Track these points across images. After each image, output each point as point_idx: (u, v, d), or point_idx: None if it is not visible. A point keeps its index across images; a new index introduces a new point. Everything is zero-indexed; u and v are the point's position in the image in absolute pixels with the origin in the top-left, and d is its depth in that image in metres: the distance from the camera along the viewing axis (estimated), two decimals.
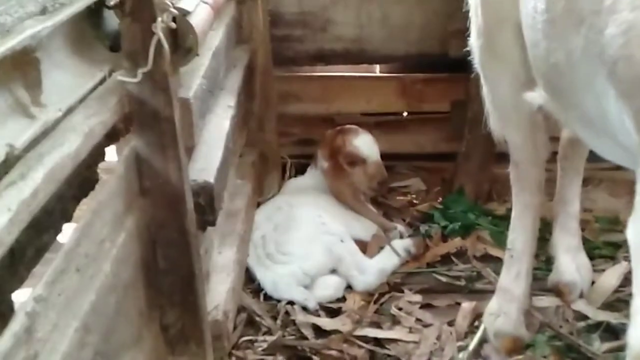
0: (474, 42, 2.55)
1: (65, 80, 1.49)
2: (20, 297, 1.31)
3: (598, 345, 2.57)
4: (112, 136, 1.71)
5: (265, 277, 2.94)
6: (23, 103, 1.29)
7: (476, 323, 2.75)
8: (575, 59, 1.78)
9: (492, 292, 2.73)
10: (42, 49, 1.32)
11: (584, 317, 2.75)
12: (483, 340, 2.64)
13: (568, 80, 1.90)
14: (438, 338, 2.70)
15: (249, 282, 2.97)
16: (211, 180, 1.99)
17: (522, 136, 2.53)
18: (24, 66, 1.28)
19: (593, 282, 2.88)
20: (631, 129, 1.61)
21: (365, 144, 3.38)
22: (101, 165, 1.77)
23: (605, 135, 1.87)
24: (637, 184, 1.60)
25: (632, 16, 1.47)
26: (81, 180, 1.62)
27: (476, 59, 2.58)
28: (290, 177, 3.66)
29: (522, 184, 2.63)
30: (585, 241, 2.99)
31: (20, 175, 1.18)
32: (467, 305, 2.81)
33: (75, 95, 1.49)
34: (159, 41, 1.62)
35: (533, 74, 2.22)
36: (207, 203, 1.98)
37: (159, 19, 1.62)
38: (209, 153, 2.14)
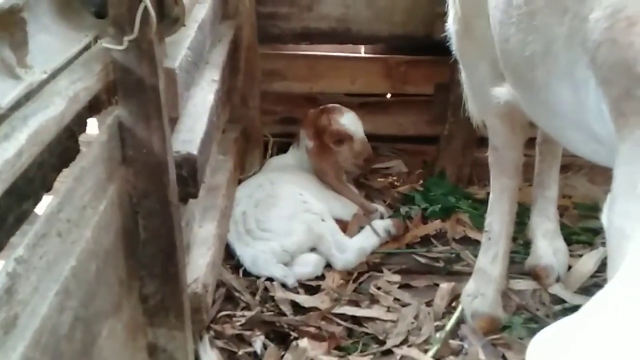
0: (452, 28, 2.57)
1: (51, 43, 1.48)
2: None
3: None
4: (95, 106, 1.70)
5: (245, 253, 2.95)
6: (9, 63, 1.28)
7: (454, 304, 2.78)
8: (556, 48, 1.80)
9: (470, 273, 2.76)
10: (28, 9, 1.31)
11: (561, 301, 2.79)
12: (460, 321, 2.67)
13: (544, 71, 1.91)
14: (416, 318, 2.73)
15: (229, 257, 2.97)
16: (195, 152, 1.98)
17: (499, 121, 2.55)
18: (10, 26, 1.27)
19: (570, 267, 2.91)
20: (608, 118, 1.62)
21: (350, 121, 3.40)
22: (83, 137, 1.76)
23: (579, 128, 1.88)
24: (614, 170, 1.62)
25: (619, 0, 1.48)
26: (62, 149, 1.62)
27: (454, 44, 2.59)
28: (272, 155, 3.66)
29: (500, 167, 2.65)
30: (563, 227, 3.02)
31: (4, 135, 1.18)
32: (445, 286, 2.84)
33: (60, 59, 1.48)
34: (145, 9, 1.61)
35: (501, 70, 2.24)
36: (189, 175, 1.97)
37: None
38: (193, 125, 2.14)
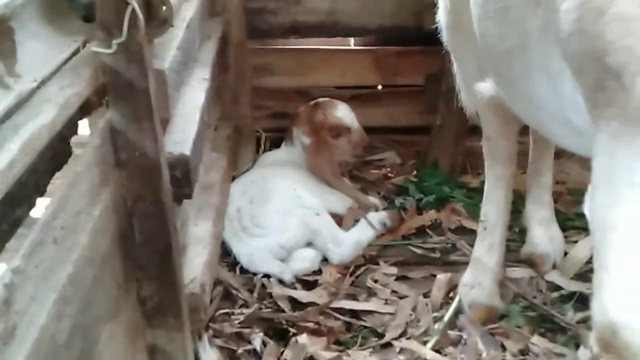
0: (442, 20, 2.58)
1: (40, 50, 1.48)
2: None
3: (571, 315, 2.62)
4: (85, 109, 1.70)
5: (241, 250, 2.95)
6: None
7: (451, 294, 2.79)
8: (532, 41, 1.81)
9: (467, 263, 2.77)
10: (16, 18, 1.31)
11: (557, 288, 2.80)
12: (458, 311, 2.68)
13: (522, 65, 1.92)
14: (414, 309, 2.73)
15: (225, 255, 2.98)
16: (187, 152, 1.98)
17: (491, 112, 2.55)
18: None
19: (566, 253, 2.92)
20: (583, 109, 1.63)
21: (345, 113, 3.42)
22: (74, 139, 1.75)
23: (559, 120, 1.89)
24: (592, 161, 1.63)
25: None
26: (54, 153, 1.61)
27: (444, 36, 2.60)
28: (264, 150, 3.67)
29: (494, 157, 2.66)
30: (558, 213, 3.03)
31: None
32: (442, 277, 2.85)
33: (49, 66, 1.48)
34: (133, 11, 1.60)
35: (483, 65, 2.25)
36: (183, 175, 1.97)
37: None
38: (185, 125, 2.13)
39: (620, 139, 1.49)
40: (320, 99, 3.47)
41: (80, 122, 1.74)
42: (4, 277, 1.18)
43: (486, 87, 2.36)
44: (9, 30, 1.28)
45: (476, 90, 2.42)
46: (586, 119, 1.63)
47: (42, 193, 1.63)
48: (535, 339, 2.53)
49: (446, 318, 2.65)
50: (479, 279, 2.68)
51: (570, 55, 1.60)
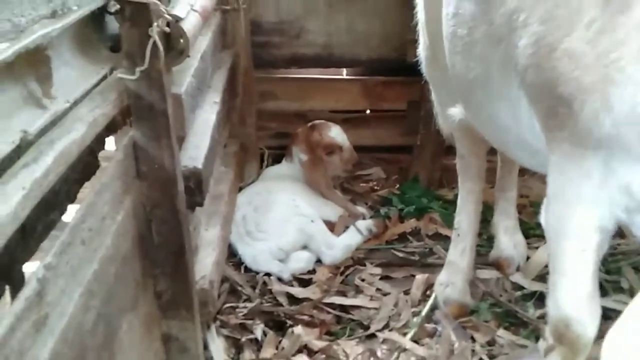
0: (422, 54, 2.59)
1: (72, 76, 1.48)
2: (30, 268, 1.30)
3: (532, 312, 2.62)
4: (112, 127, 1.70)
5: (246, 252, 2.95)
6: (36, 95, 1.27)
7: (428, 292, 2.79)
8: (493, 72, 1.82)
9: (442, 265, 2.77)
10: (52, 48, 1.31)
11: (521, 287, 2.80)
12: (434, 307, 2.68)
13: (486, 92, 1.93)
14: (395, 305, 2.73)
15: (232, 256, 2.97)
16: (200, 166, 1.98)
17: (463, 134, 2.56)
18: (36, 63, 1.27)
19: (528, 258, 2.93)
20: (539, 131, 1.64)
21: (338, 134, 3.42)
22: (102, 153, 1.75)
23: (518, 141, 1.89)
24: (547, 178, 1.63)
25: (540, 29, 1.49)
26: (84, 165, 1.61)
27: (424, 68, 2.61)
28: (267, 165, 3.66)
29: (466, 173, 2.66)
30: (522, 223, 3.03)
31: (33, 158, 1.17)
32: (420, 277, 2.84)
33: (80, 89, 1.48)
34: (154, 43, 1.60)
35: (454, 93, 2.26)
36: (196, 186, 1.97)
37: (155, 24, 1.61)
38: (198, 142, 2.13)
39: (570, 159, 1.50)
40: (317, 121, 3.48)
41: (107, 139, 1.75)
42: (37, 272, 1.18)
43: (457, 111, 2.37)
44: (46, 58, 1.29)
45: (449, 114, 2.43)
46: (541, 141, 1.64)
47: (72, 200, 1.63)
48: (501, 332, 2.53)
49: (423, 313, 2.64)
50: (452, 279, 2.68)
51: (527, 86, 1.61)
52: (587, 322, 1.64)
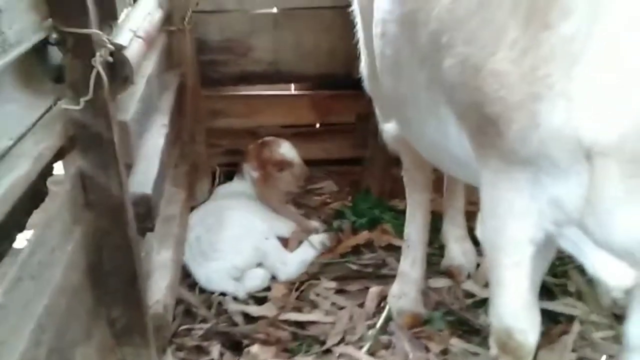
0: (363, 71, 2.64)
1: (16, 111, 1.48)
2: None
3: (484, 318, 2.66)
4: (59, 154, 1.70)
5: (200, 272, 2.94)
6: None
7: (382, 304, 2.82)
8: (419, 91, 1.86)
9: (395, 276, 2.80)
10: None
11: (472, 295, 2.85)
12: (389, 319, 2.71)
13: (415, 109, 1.97)
14: (350, 319, 2.75)
15: (186, 277, 2.96)
16: (149, 191, 1.99)
17: (404, 148, 2.59)
18: None
19: (478, 265, 2.98)
20: (467, 145, 1.68)
21: (288, 150, 3.44)
22: (50, 179, 1.76)
23: (447, 154, 1.93)
24: (480, 193, 1.67)
25: (465, 50, 1.53)
26: (32, 193, 1.61)
27: (366, 85, 2.66)
28: (219, 183, 3.65)
29: (413, 186, 2.71)
30: (471, 230, 3.09)
31: None
32: (374, 289, 2.88)
33: (25, 124, 1.48)
34: (98, 73, 1.62)
35: (387, 109, 2.31)
36: (146, 212, 1.98)
37: (98, 53, 1.63)
38: (147, 168, 2.14)
39: (501, 175, 1.54)
40: (267, 138, 3.50)
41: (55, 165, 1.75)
42: None
43: (391, 126, 2.41)
44: None
45: (383, 129, 2.47)
46: (469, 155, 1.68)
47: (21, 229, 1.63)
48: (454, 340, 2.57)
49: (378, 325, 2.67)
50: (404, 290, 2.72)
51: (455, 104, 1.64)
52: (527, 330, 1.69)
